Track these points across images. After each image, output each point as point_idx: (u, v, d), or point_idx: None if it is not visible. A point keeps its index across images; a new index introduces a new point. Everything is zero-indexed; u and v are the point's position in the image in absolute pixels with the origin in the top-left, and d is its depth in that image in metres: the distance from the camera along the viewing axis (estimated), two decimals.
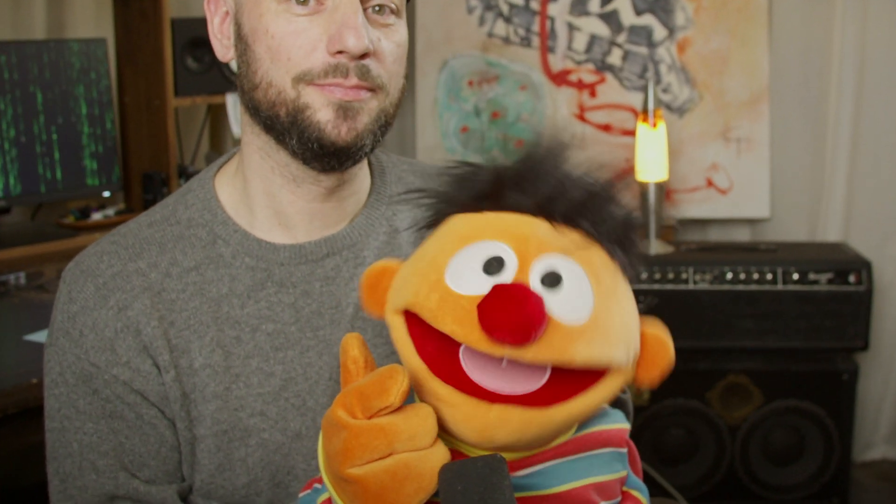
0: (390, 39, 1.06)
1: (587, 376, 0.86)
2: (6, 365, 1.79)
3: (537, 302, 0.81)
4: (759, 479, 2.72)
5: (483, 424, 0.84)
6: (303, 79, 1.03)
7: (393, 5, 1.06)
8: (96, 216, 2.77)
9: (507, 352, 0.82)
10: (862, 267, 2.65)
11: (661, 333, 0.92)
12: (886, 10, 2.99)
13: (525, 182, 0.90)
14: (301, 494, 0.95)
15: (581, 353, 0.84)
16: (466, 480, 0.81)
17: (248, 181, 1.13)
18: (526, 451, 0.90)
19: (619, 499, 0.95)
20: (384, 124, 1.07)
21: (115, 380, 1.07)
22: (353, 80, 1.03)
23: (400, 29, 1.08)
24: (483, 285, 0.83)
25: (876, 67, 3.01)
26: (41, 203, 2.74)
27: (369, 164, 1.20)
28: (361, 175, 1.17)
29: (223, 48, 1.12)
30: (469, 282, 0.85)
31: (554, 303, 0.84)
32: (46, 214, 2.81)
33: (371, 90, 1.04)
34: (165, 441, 1.09)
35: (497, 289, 0.81)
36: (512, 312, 0.80)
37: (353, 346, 0.87)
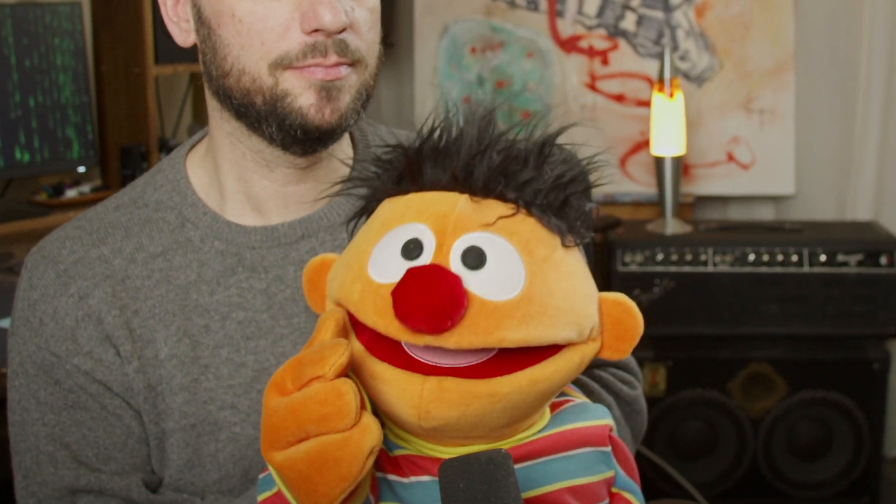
0: (363, 6, 1.05)
1: (537, 351, 0.85)
2: None
3: (452, 281, 0.80)
4: (784, 475, 2.72)
5: (418, 398, 0.83)
6: (280, 64, 1.01)
7: None
8: (71, 193, 2.76)
9: (427, 340, 0.81)
10: (894, 247, 2.65)
11: (621, 297, 0.90)
12: None
13: (442, 155, 0.89)
14: (261, 476, 0.93)
15: (513, 334, 0.82)
16: (469, 477, 0.79)
17: (218, 166, 1.13)
18: (487, 441, 0.88)
19: (605, 502, 0.93)
20: (366, 99, 1.07)
21: (76, 370, 1.07)
22: (333, 58, 1.02)
23: None
24: (401, 271, 0.83)
25: None
26: (11, 178, 2.72)
27: (352, 140, 1.19)
28: (340, 152, 1.16)
29: (182, 32, 1.09)
30: (388, 269, 0.85)
31: (476, 282, 0.82)
32: (17, 191, 2.80)
33: (350, 65, 1.04)
34: (132, 433, 1.08)
35: (409, 273, 0.81)
36: (424, 297, 0.79)
37: (327, 329, 0.85)
